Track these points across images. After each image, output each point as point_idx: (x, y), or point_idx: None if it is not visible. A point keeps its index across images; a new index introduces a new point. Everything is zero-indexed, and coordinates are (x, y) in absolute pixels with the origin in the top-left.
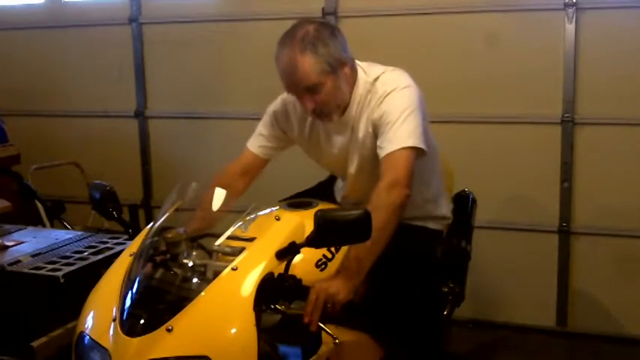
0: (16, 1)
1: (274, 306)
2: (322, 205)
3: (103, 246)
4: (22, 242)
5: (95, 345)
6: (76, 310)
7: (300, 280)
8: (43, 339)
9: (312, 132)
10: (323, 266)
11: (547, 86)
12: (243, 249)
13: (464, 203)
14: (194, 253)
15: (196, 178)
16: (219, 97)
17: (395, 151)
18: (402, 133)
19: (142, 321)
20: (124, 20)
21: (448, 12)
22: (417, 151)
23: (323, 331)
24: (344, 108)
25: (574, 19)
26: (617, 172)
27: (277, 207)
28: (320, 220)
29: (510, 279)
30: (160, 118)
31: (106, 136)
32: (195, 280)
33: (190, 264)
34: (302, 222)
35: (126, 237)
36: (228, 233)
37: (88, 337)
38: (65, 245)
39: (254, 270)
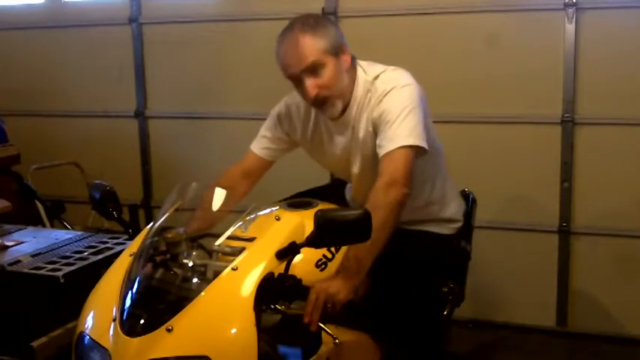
0: (16, 1)
1: (274, 306)
2: (322, 205)
3: (103, 246)
4: (22, 242)
5: (95, 345)
6: (76, 310)
7: (300, 280)
8: (43, 339)
9: (315, 133)
10: (323, 266)
11: (547, 86)
12: (243, 249)
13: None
14: (194, 253)
15: (196, 178)
16: (219, 97)
17: (394, 149)
18: (401, 131)
19: (142, 321)
20: (124, 20)
21: (448, 12)
22: (416, 150)
23: (323, 331)
24: (345, 105)
25: (574, 19)
26: (617, 172)
27: (277, 207)
28: (320, 220)
29: (510, 279)
30: (160, 118)
31: (106, 136)
32: (195, 280)
33: (190, 264)
34: (302, 222)
35: (126, 237)
36: (228, 233)
37: (88, 337)
38: (65, 245)
39: (254, 270)
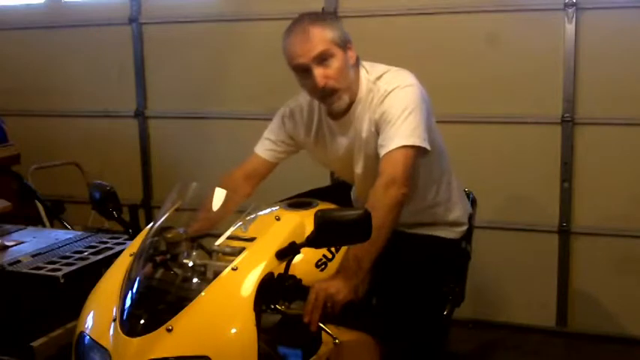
0: (16, 1)
1: (274, 306)
2: (322, 205)
3: (103, 246)
4: (22, 242)
5: (95, 345)
6: (76, 310)
7: (300, 280)
8: (43, 339)
9: (318, 135)
10: (323, 266)
11: (547, 86)
12: (243, 249)
13: None
14: (194, 253)
15: (196, 178)
16: (219, 97)
17: (394, 149)
18: (402, 131)
19: (142, 321)
20: (124, 20)
21: (448, 12)
22: (417, 150)
23: (323, 331)
24: (351, 101)
25: (574, 19)
26: (617, 172)
27: (277, 207)
28: (320, 220)
29: (510, 279)
30: (160, 118)
31: (106, 136)
32: (195, 280)
33: (190, 264)
34: (302, 222)
35: (126, 237)
36: (228, 233)
37: (88, 337)
38: (65, 245)
39: (254, 270)
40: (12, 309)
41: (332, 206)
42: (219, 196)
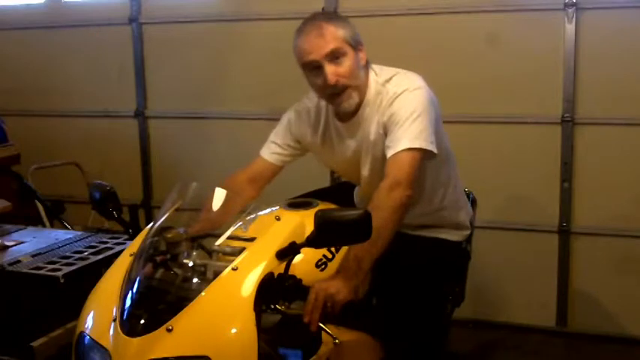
0: (16, 1)
1: (274, 306)
2: (322, 205)
3: (103, 246)
4: (22, 242)
5: (95, 345)
6: (76, 310)
7: (300, 280)
8: (43, 339)
9: (325, 137)
10: (323, 266)
11: (547, 86)
12: (243, 249)
13: None
14: (194, 253)
15: (196, 178)
16: (219, 97)
17: (400, 151)
18: (409, 134)
19: (142, 321)
20: (124, 20)
21: (448, 12)
22: (424, 153)
23: (323, 331)
24: (360, 101)
25: (574, 19)
26: (617, 172)
27: (277, 207)
28: (320, 220)
29: (510, 279)
30: (160, 118)
31: (106, 136)
32: (195, 280)
33: (190, 264)
34: (302, 222)
35: (126, 237)
36: (228, 233)
37: (88, 337)
38: (65, 245)
39: (254, 270)
40: (12, 309)
41: (332, 206)
42: (219, 196)
